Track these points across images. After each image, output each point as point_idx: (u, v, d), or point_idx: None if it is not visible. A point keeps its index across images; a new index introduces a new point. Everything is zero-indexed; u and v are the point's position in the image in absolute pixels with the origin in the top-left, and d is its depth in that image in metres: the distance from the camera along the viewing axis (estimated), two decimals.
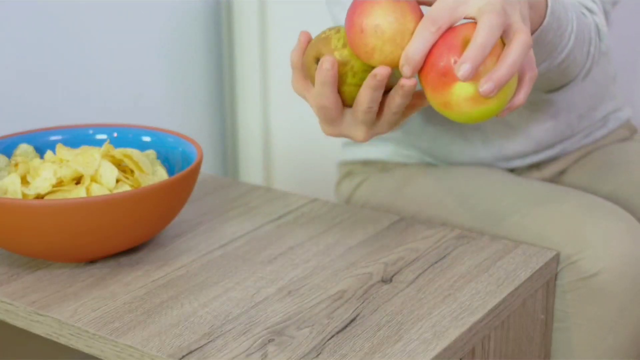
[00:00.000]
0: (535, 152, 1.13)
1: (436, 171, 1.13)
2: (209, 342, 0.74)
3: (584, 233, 0.92)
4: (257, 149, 1.65)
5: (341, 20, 1.07)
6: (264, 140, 1.64)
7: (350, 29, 0.74)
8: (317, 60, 0.78)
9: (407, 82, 0.73)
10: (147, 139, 1.01)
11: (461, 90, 0.70)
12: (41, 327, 0.81)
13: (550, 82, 0.97)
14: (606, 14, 0.99)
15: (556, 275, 0.93)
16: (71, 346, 0.79)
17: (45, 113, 1.35)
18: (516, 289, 0.84)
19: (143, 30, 1.49)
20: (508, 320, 0.85)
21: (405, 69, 0.71)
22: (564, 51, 0.89)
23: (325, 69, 0.74)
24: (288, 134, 1.64)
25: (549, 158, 1.16)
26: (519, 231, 0.97)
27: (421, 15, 0.73)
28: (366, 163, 1.21)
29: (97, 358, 0.79)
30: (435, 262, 0.89)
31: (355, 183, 1.20)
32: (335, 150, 1.32)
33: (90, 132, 1.02)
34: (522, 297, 0.86)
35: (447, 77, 0.70)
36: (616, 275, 0.90)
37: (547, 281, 0.91)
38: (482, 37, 0.68)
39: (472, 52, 0.67)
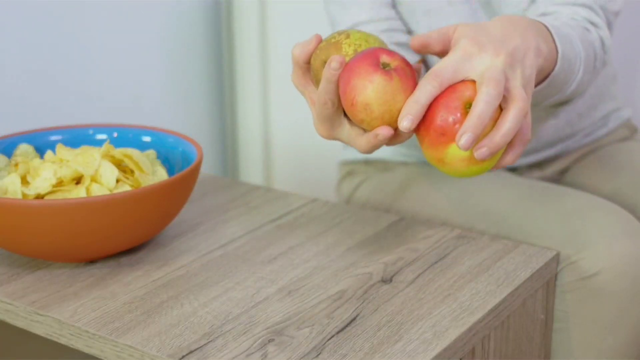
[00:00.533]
0: (536, 150, 1.13)
1: (437, 171, 1.13)
2: (209, 342, 0.74)
3: (584, 233, 0.92)
4: (257, 149, 1.65)
5: (338, 19, 1.07)
6: (264, 140, 1.64)
7: (343, 95, 0.76)
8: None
9: (382, 132, 0.75)
10: (147, 139, 1.01)
11: (456, 151, 0.73)
12: (41, 327, 0.81)
13: (558, 102, 0.99)
14: (609, 24, 1.00)
15: (556, 275, 0.93)
16: (71, 346, 0.79)
17: (45, 113, 1.35)
18: (516, 289, 0.84)
19: (143, 30, 1.49)
20: (508, 320, 0.85)
21: (405, 122, 0.73)
22: (574, 83, 0.91)
23: (334, 68, 0.75)
24: (288, 134, 1.64)
25: (550, 157, 1.16)
26: (519, 231, 0.97)
27: (412, 91, 0.75)
28: (367, 163, 1.21)
29: (97, 358, 0.78)
30: (435, 262, 0.89)
31: (356, 183, 1.20)
32: (335, 150, 1.32)
33: (90, 132, 1.02)
34: (522, 297, 0.86)
35: (445, 136, 0.73)
36: (616, 275, 0.90)
37: (547, 281, 0.91)
38: (481, 108, 0.70)
39: (472, 122, 0.70)
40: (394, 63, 0.75)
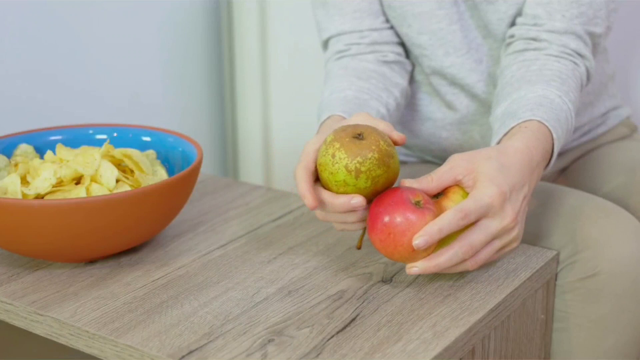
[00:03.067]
0: None
1: None
2: (209, 342, 0.74)
3: (584, 233, 0.92)
4: (257, 149, 1.65)
5: (324, 25, 1.09)
6: (264, 140, 1.64)
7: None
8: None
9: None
10: (147, 138, 1.01)
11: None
12: (41, 327, 0.81)
13: None
14: (596, 46, 1.02)
15: (556, 275, 0.93)
16: (71, 346, 0.79)
17: (45, 113, 1.35)
18: (516, 289, 0.84)
19: (143, 30, 1.49)
20: (508, 320, 0.85)
21: (419, 241, 0.77)
22: (572, 115, 0.94)
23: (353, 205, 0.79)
24: (288, 134, 1.63)
25: None
26: None
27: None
28: None
29: (97, 358, 0.78)
30: None
31: None
32: None
33: (90, 132, 1.02)
34: (522, 297, 0.86)
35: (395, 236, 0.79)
36: (616, 275, 0.90)
37: (547, 281, 0.91)
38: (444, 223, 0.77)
39: (431, 230, 0.77)
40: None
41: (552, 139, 0.87)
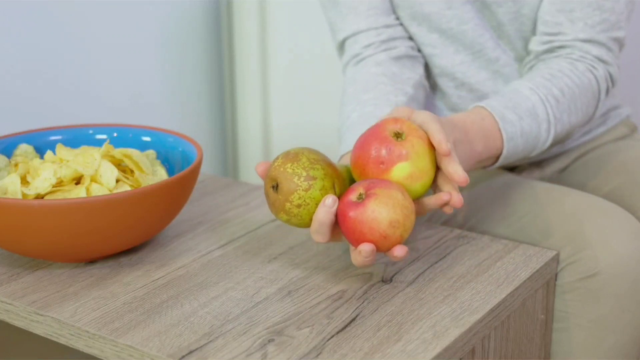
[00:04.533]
0: None
1: None
2: (209, 342, 0.74)
3: (584, 233, 0.92)
4: (257, 149, 1.65)
5: (338, 26, 1.08)
6: (264, 140, 1.64)
7: (369, 239, 0.79)
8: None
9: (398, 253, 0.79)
10: (147, 139, 1.01)
11: (400, 172, 0.80)
12: (41, 327, 0.81)
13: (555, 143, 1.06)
14: (621, 47, 1.04)
15: (556, 275, 0.93)
16: (71, 346, 0.79)
17: (45, 112, 1.35)
18: (516, 289, 0.84)
19: (143, 30, 1.49)
20: (508, 320, 0.85)
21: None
22: (546, 143, 0.97)
23: (328, 205, 0.79)
24: (288, 134, 1.64)
25: (549, 155, 1.16)
26: (519, 231, 0.97)
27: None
28: None
29: (97, 358, 0.78)
30: (435, 262, 0.89)
31: None
32: (335, 150, 1.32)
33: (90, 132, 1.02)
34: (522, 297, 0.86)
35: (385, 164, 0.80)
36: (616, 275, 0.90)
37: (547, 281, 0.91)
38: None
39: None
40: (362, 192, 0.79)
41: (499, 129, 0.91)
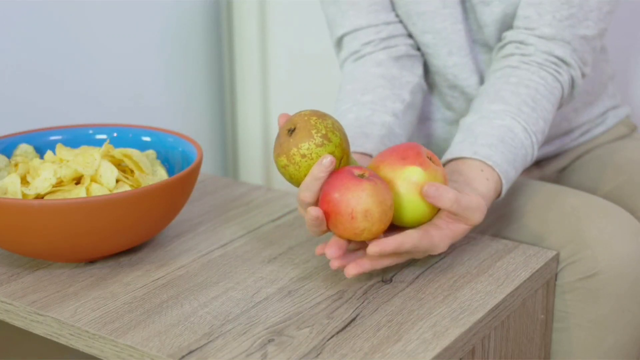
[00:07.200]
0: None
1: None
2: (209, 342, 0.74)
3: (584, 233, 0.92)
4: (257, 149, 1.65)
5: (337, 22, 1.07)
6: (264, 140, 1.64)
7: (336, 215, 0.79)
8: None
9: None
10: (147, 139, 1.01)
11: (412, 173, 0.82)
12: (41, 327, 0.81)
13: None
14: (593, 49, 1.01)
15: (556, 275, 0.93)
16: (71, 346, 0.79)
17: (45, 113, 1.35)
18: (516, 289, 0.84)
19: (143, 30, 1.49)
20: (508, 320, 0.85)
21: (375, 249, 0.79)
22: (533, 157, 0.96)
23: (325, 164, 0.79)
24: None
25: (548, 154, 1.16)
26: (519, 231, 0.97)
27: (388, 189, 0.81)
28: None
29: (97, 358, 0.78)
30: (435, 262, 0.89)
31: None
32: None
33: (90, 132, 1.02)
34: (522, 297, 0.86)
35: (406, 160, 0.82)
36: (616, 275, 0.90)
37: (547, 281, 0.91)
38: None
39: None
40: (365, 173, 0.80)
41: (501, 185, 0.90)
